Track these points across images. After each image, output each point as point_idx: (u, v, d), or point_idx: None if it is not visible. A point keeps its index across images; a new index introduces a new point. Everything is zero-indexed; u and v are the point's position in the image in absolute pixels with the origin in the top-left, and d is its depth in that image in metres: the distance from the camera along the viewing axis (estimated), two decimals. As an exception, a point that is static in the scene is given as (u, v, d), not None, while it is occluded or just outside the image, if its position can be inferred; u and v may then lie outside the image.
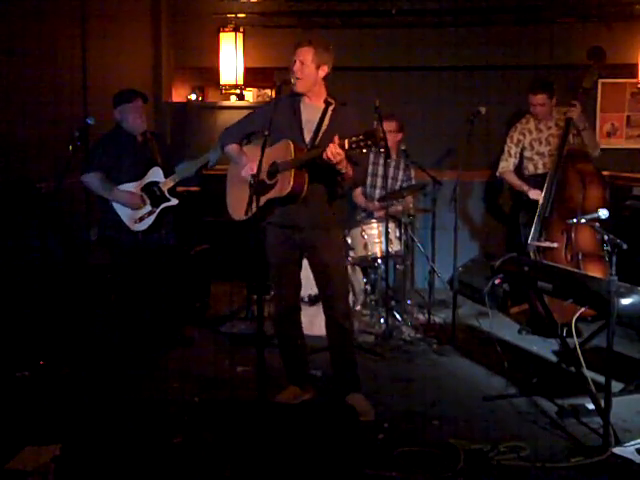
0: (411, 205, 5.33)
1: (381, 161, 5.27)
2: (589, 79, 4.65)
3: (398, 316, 5.01)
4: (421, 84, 6.25)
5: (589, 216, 3.63)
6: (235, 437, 3.17)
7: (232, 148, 3.62)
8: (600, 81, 5.87)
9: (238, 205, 3.39)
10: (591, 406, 3.43)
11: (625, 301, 3.18)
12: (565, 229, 4.47)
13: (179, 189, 4.58)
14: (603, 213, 3.49)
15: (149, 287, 4.41)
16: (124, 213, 4.34)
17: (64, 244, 4.60)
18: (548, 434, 3.35)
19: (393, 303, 5.07)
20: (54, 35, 4.84)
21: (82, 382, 3.85)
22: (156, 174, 4.41)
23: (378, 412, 3.53)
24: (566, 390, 3.74)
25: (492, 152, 5.90)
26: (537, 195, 4.65)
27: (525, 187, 4.81)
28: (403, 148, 5.33)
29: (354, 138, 3.07)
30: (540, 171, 4.84)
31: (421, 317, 5.22)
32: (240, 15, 6.39)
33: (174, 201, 4.42)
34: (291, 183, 3.27)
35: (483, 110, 4.85)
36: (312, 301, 4.65)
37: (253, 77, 6.63)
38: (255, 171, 3.08)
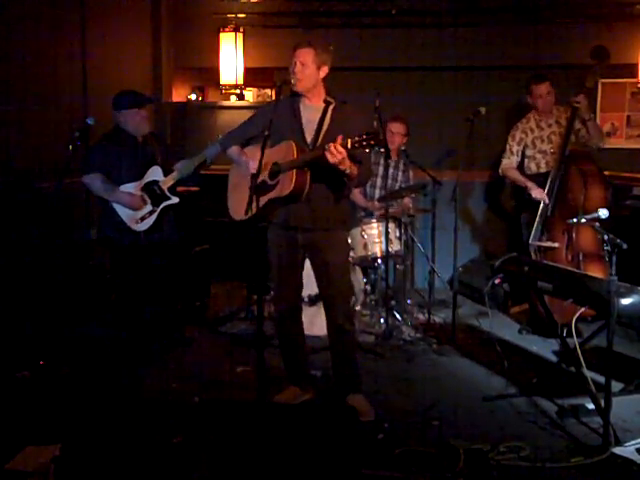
0: (410, 205, 5.34)
1: (381, 161, 5.27)
2: (592, 78, 4.65)
3: (398, 316, 5.01)
4: (421, 84, 6.24)
5: (589, 216, 3.63)
6: (235, 437, 3.17)
7: (233, 150, 3.61)
8: (600, 81, 5.86)
9: (239, 206, 3.38)
10: (591, 406, 3.43)
11: (625, 301, 3.19)
12: (566, 229, 4.47)
13: (179, 189, 4.58)
14: (603, 213, 3.49)
15: (149, 287, 4.41)
16: (125, 213, 4.33)
17: (64, 244, 4.60)
18: (548, 434, 3.36)
19: (393, 303, 5.07)
20: (54, 35, 4.85)
21: (82, 382, 3.85)
22: (156, 173, 4.40)
23: (378, 412, 3.53)
24: (566, 390, 3.74)
25: (492, 152, 5.91)
26: (540, 194, 4.63)
27: (529, 184, 4.75)
28: (403, 148, 5.33)
29: (357, 137, 3.07)
30: (542, 170, 4.83)
31: (421, 317, 5.23)
32: (240, 15, 6.39)
33: (175, 199, 4.41)
34: (292, 183, 3.27)
35: (483, 110, 4.85)
36: (312, 301, 4.65)
37: (253, 77, 6.63)
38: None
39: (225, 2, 6.41)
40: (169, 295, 4.56)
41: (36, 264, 4.18)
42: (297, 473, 2.92)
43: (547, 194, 4.59)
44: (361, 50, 6.18)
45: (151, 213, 4.36)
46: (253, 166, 3.30)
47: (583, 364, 3.38)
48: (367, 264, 5.08)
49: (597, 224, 3.57)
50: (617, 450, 3.10)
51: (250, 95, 7.08)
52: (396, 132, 5.22)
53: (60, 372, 3.92)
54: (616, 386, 3.57)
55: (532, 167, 4.93)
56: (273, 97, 7.03)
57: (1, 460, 2.89)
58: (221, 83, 6.46)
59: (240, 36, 6.35)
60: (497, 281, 3.77)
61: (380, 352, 4.51)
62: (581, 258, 4.40)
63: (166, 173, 4.42)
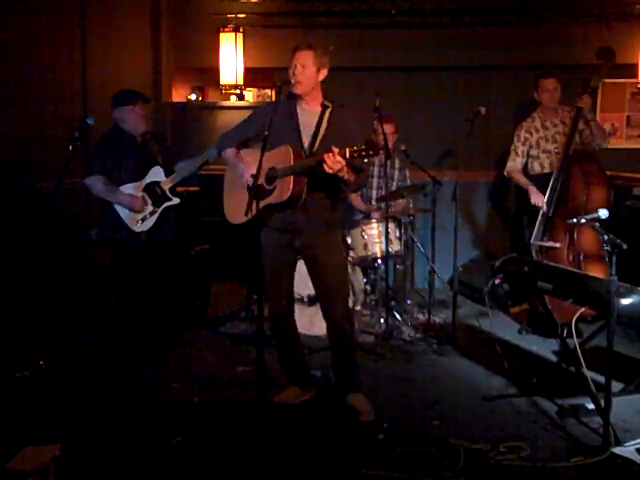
0: (411, 205, 5.34)
1: (377, 162, 5.28)
2: (597, 79, 4.66)
3: (398, 316, 5.01)
4: (421, 84, 6.25)
5: (589, 216, 3.63)
6: (235, 437, 3.17)
7: (229, 153, 3.60)
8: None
9: (236, 210, 3.37)
10: (591, 406, 3.43)
11: (625, 301, 3.18)
12: (568, 229, 4.46)
13: (179, 189, 4.58)
14: (603, 213, 3.48)
15: (149, 287, 4.41)
16: (125, 214, 4.33)
17: (64, 244, 4.60)
18: (548, 434, 3.35)
19: (393, 303, 5.07)
20: (54, 35, 4.85)
21: (82, 382, 3.85)
22: (157, 174, 4.41)
23: (378, 412, 3.53)
24: (566, 390, 3.74)
25: (492, 152, 5.92)
26: (539, 200, 4.61)
27: (530, 187, 4.73)
28: (403, 148, 5.32)
29: (355, 147, 3.06)
30: (547, 170, 4.82)
31: (421, 317, 5.23)
32: (240, 15, 6.40)
33: (176, 200, 4.42)
34: (290, 189, 3.26)
35: (483, 110, 4.85)
36: (312, 301, 4.64)
37: (253, 77, 6.64)
38: (255, 172, 3.08)
39: (225, 2, 6.41)
40: (169, 296, 4.56)
41: (36, 264, 4.17)
42: (297, 473, 2.92)
43: (549, 194, 4.58)
44: (361, 50, 6.19)
45: (152, 214, 4.36)
46: (247, 176, 3.30)
47: (583, 364, 3.38)
48: (367, 264, 5.08)
49: (597, 224, 3.57)
50: (617, 450, 3.10)
51: (250, 95, 7.09)
52: (389, 132, 5.22)
53: (59, 372, 3.92)
54: (616, 386, 3.56)
55: (536, 167, 4.91)
56: (273, 97, 7.05)
57: (1, 460, 2.89)
58: (221, 83, 6.46)
59: (240, 36, 6.36)
60: (497, 281, 3.76)
61: (380, 352, 4.51)
62: (582, 258, 4.40)
63: (167, 174, 4.43)
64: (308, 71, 3.35)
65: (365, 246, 4.96)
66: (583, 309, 3.32)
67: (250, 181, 3.14)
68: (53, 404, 3.54)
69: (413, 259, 5.66)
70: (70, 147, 4.07)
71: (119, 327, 4.37)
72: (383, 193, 5.05)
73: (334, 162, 3.09)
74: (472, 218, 6.31)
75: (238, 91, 6.55)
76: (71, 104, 5.00)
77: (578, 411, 3.50)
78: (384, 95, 4.80)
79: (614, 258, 3.21)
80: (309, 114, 3.44)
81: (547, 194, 4.60)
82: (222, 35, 6.36)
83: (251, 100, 7.09)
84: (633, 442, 3.16)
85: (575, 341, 3.39)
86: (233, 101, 6.69)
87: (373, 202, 5.34)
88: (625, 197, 5.42)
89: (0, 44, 4.31)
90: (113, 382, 3.89)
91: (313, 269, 3.56)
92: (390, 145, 5.26)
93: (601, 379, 3.33)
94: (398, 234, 5.05)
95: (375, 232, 4.97)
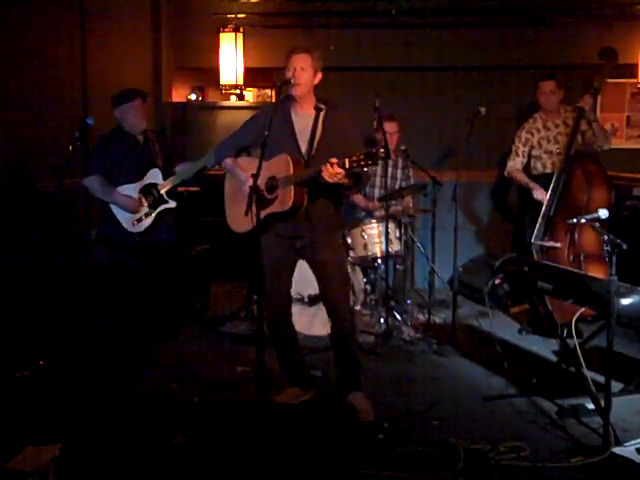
0: (411, 205, 5.34)
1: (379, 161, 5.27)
2: (599, 79, 4.65)
3: (398, 316, 5.01)
4: (421, 84, 6.24)
5: (589, 216, 3.62)
6: (235, 437, 3.17)
7: (228, 162, 3.59)
8: (600, 81, 5.87)
9: (239, 218, 3.36)
10: (591, 406, 3.43)
11: (625, 301, 3.18)
12: (568, 229, 4.46)
13: (179, 189, 4.58)
14: (603, 213, 3.48)
15: (149, 287, 4.41)
16: (122, 215, 4.34)
17: (64, 244, 4.60)
18: (548, 434, 3.35)
19: (393, 303, 5.07)
20: (54, 35, 4.84)
21: (82, 382, 3.85)
22: (155, 176, 4.41)
23: (378, 412, 3.53)
24: (566, 390, 3.74)
25: (492, 152, 5.91)
26: (542, 195, 4.63)
27: (532, 184, 4.75)
28: (403, 148, 5.33)
29: (354, 157, 3.07)
30: (548, 170, 4.81)
31: (421, 317, 5.23)
32: (240, 15, 6.39)
33: (172, 203, 4.43)
34: (292, 199, 3.28)
35: (483, 110, 4.84)
36: (312, 301, 4.64)
37: (253, 77, 6.63)
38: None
39: (225, 2, 6.41)
40: (167, 296, 4.56)
41: (36, 264, 4.17)
42: (297, 473, 2.93)
43: (550, 194, 4.58)
44: (361, 50, 6.19)
45: (147, 215, 4.37)
46: (246, 188, 3.29)
47: (583, 364, 3.38)
48: (367, 264, 5.08)
49: (597, 224, 3.57)
50: (617, 450, 3.10)
51: (250, 95, 7.08)
52: (392, 132, 5.22)
53: (59, 372, 3.92)
54: (616, 386, 3.57)
55: (538, 167, 4.91)
56: (273, 97, 7.05)
57: (1, 460, 2.89)
58: (221, 83, 6.46)
59: (240, 36, 6.35)
60: (497, 281, 3.77)
61: (380, 352, 4.51)
62: (582, 258, 4.39)
63: (167, 173, 4.43)
64: (307, 73, 3.37)
65: (365, 246, 4.96)
66: (583, 309, 3.32)
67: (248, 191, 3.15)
68: (53, 404, 3.54)
69: (413, 259, 5.66)
70: (70, 147, 4.07)
71: (118, 327, 4.37)
72: (385, 192, 5.06)
73: (334, 173, 3.10)
74: (472, 218, 6.31)
75: (238, 91, 6.54)
76: (71, 104, 5.00)
77: (578, 411, 3.50)
78: (384, 95, 4.80)
79: (614, 258, 3.21)
80: (304, 119, 3.44)
81: (548, 194, 4.60)
82: (222, 35, 6.35)
83: (251, 100, 7.08)
84: (633, 442, 3.16)
85: (575, 341, 3.39)
86: (233, 101, 6.68)
87: (376, 203, 5.34)
88: (625, 197, 5.43)
89: (0, 44, 4.31)
90: (113, 382, 3.88)
91: (315, 267, 3.57)
92: (394, 144, 5.29)
93: (601, 379, 3.32)
94: (398, 234, 5.05)
95: (375, 232, 4.97)
